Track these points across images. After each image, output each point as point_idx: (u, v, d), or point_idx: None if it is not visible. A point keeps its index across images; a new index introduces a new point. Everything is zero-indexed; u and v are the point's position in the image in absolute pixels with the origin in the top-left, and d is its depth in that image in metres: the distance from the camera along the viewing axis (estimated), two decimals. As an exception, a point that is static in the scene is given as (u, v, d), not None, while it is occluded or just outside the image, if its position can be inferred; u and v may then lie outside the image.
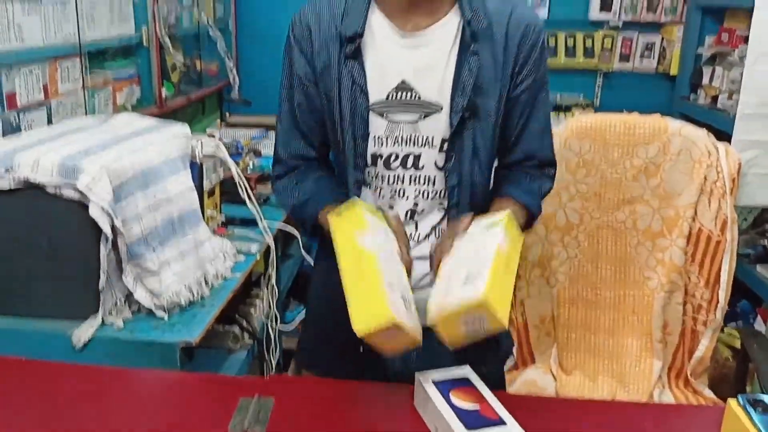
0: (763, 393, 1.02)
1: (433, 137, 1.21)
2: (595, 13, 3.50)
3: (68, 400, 1.07)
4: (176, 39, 2.60)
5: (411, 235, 1.26)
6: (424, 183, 1.24)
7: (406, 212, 1.26)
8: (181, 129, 1.69)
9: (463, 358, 1.11)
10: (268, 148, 2.86)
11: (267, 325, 2.01)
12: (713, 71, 3.15)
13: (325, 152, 1.32)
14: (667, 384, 1.66)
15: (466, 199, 1.24)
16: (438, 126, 1.20)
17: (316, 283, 1.42)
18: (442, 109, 1.19)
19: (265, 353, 2.01)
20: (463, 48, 1.18)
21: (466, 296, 0.92)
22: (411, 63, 1.19)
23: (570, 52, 3.56)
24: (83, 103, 1.97)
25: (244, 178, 1.90)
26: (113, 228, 1.31)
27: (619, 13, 3.48)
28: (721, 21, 3.17)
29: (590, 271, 1.72)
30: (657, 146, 1.65)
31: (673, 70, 3.50)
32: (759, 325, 2.51)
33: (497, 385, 1.18)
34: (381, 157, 1.23)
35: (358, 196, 1.25)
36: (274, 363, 2.03)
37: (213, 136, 2.24)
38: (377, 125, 1.21)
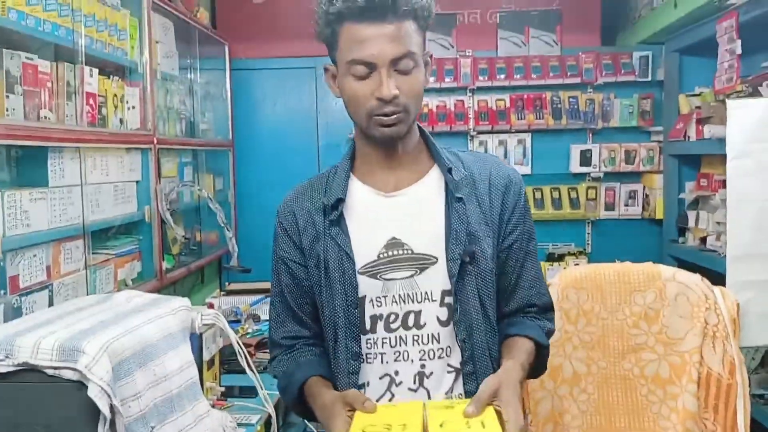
0: None
1: (432, 291, 1.20)
2: (575, 167, 3.68)
3: None
4: (177, 213, 2.69)
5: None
6: (428, 341, 1.20)
7: (414, 377, 1.20)
8: (181, 302, 1.70)
9: None
10: (267, 313, 2.87)
11: (270, 503, 1.90)
12: (698, 215, 3.25)
13: (320, 331, 1.30)
14: None
15: (481, 352, 1.20)
16: (436, 278, 1.19)
17: None
18: (437, 260, 1.20)
19: None
20: (449, 198, 1.22)
21: None
22: (398, 220, 1.22)
23: (556, 204, 3.70)
24: (84, 281, 2.00)
25: (243, 347, 1.88)
26: (111, 408, 1.28)
27: (599, 166, 3.66)
28: (697, 167, 3.32)
29: (604, 425, 1.66)
30: (653, 293, 1.66)
31: (659, 215, 3.61)
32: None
33: None
34: (381, 318, 1.21)
35: (355, 373, 1.21)
36: None
37: (212, 306, 2.26)
38: (372, 287, 1.20)
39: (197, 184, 2.98)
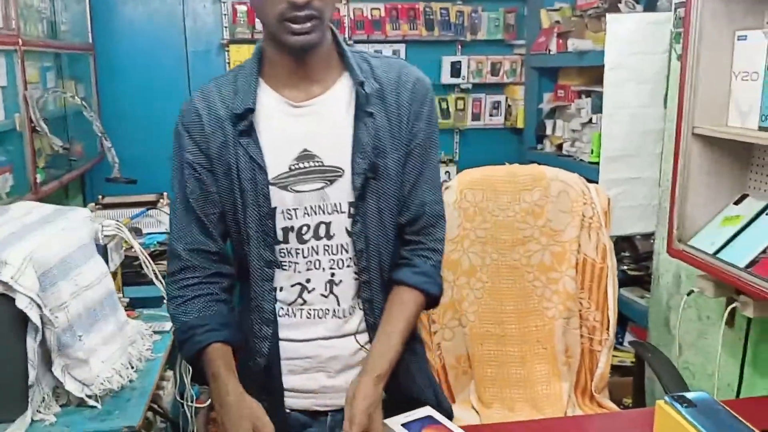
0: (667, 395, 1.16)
1: (341, 203, 1.21)
2: (446, 77, 3.83)
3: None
4: (47, 123, 2.50)
5: (334, 311, 1.24)
6: (338, 251, 1.22)
7: (325, 285, 1.23)
8: (84, 213, 1.66)
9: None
10: (149, 226, 2.81)
11: (183, 404, 1.95)
12: (554, 123, 3.56)
13: (225, 250, 1.26)
14: (576, 402, 1.83)
15: (375, 264, 1.23)
16: (343, 191, 1.20)
17: None
18: (344, 172, 1.20)
19: (183, 435, 1.95)
20: (359, 110, 1.21)
21: None
22: (309, 131, 1.20)
23: (430, 113, 3.83)
24: (-39, 195, 1.85)
25: (148, 256, 1.87)
26: (42, 319, 1.26)
27: (468, 77, 3.84)
28: (555, 79, 3.60)
29: (496, 308, 1.87)
30: (539, 191, 1.85)
31: (520, 124, 3.89)
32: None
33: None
34: (293, 230, 1.21)
35: (269, 280, 1.22)
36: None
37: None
38: (283, 199, 1.20)
39: (61, 89, 2.76)
